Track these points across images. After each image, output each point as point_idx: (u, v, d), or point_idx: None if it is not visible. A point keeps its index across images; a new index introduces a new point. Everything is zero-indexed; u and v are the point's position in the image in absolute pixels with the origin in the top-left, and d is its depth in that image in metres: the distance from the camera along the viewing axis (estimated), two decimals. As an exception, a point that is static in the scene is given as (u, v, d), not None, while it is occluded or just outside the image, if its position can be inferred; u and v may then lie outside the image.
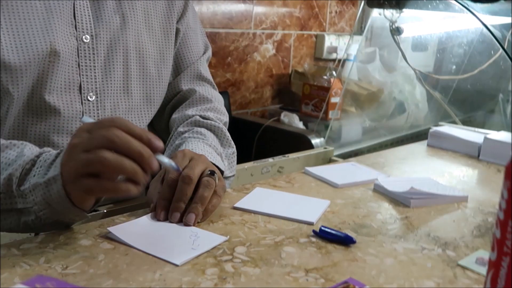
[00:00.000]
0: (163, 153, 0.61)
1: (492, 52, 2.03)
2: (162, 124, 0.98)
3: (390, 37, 1.64)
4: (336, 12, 2.43)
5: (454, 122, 1.89)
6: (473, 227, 0.75)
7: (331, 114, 1.85)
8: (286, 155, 1.42)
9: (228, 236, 0.65)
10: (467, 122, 2.04)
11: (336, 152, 1.57)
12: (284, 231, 0.69)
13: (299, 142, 1.69)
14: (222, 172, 0.82)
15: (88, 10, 0.79)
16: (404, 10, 1.44)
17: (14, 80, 0.72)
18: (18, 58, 0.72)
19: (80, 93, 0.79)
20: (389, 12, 1.45)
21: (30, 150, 0.66)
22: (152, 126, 0.99)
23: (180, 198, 0.67)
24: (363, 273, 0.58)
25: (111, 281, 0.53)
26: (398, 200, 0.83)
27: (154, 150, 0.59)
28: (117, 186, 0.57)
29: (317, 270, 0.58)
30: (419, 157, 1.16)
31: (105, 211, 0.75)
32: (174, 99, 0.95)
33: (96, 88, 0.80)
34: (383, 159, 1.11)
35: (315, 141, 1.68)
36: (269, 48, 2.15)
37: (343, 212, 0.77)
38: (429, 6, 1.36)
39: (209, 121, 0.90)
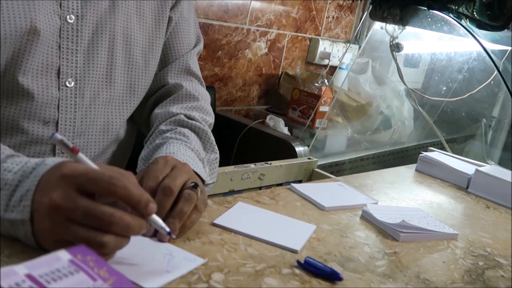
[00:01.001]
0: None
1: (485, 78, 2.02)
2: (142, 117, 0.91)
3: (386, 51, 1.60)
4: (333, 17, 2.38)
5: (439, 143, 1.87)
6: (463, 271, 0.70)
7: (318, 122, 1.80)
8: (269, 162, 1.37)
9: (206, 259, 0.59)
10: (449, 143, 2.02)
11: (319, 162, 1.53)
12: (266, 258, 0.63)
13: (283, 148, 1.64)
14: (203, 181, 0.76)
15: None
16: (406, 27, 1.39)
17: None
18: None
19: (58, 77, 0.71)
20: (391, 27, 1.40)
21: None
22: (131, 117, 0.92)
23: (158, 210, 0.61)
24: (349, 318, 0.53)
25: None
26: (386, 231, 0.78)
27: (148, 214, 0.54)
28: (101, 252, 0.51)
29: (300, 311, 0.52)
30: (408, 182, 1.12)
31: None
32: (159, 92, 0.89)
33: (76, 73, 0.73)
34: (371, 181, 1.06)
35: (299, 149, 1.63)
36: (261, 46, 2.08)
37: (330, 240, 0.72)
38: (434, 26, 1.32)
39: (193, 122, 0.83)
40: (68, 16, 0.71)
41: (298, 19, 2.20)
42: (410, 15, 1.38)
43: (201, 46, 0.95)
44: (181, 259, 0.58)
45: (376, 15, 1.38)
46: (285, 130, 1.77)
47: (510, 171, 1.15)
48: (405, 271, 0.67)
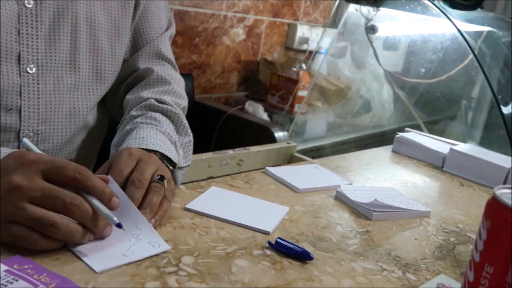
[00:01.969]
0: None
1: (462, 59, 2.03)
2: (116, 104, 0.90)
3: (363, 34, 1.61)
4: (311, 2, 2.37)
5: (418, 125, 1.88)
6: (434, 247, 0.71)
7: (297, 107, 1.80)
8: (247, 148, 1.37)
9: (170, 247, 0.58)
10: (429, 125, 2.04)
11: (299, 147, 1.53)
12: (237, 240, 0.63)
13: (262, 134, 1.64)
14: (174, 164, 0.75)
15: None
16: (381, 8, 1.39)
17: None
18: None
19: (19, 63, 0.70)
20: (365, 9, 1.40)
21: None
22: (104, 105, 0.91)
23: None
24: (319, 296, 0.53)
25: (34, 292, 0.46)
26: (360, 211, 0.79)
27: (110, 208, 0.55)
28: (49, 245, 0.51)
29: (269, 290, 0.53)
30: (383, 163, 1.13)
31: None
32: (130, 78, 0.88)
33: (38, 59, 0.72)
34: (347, 163, 1.07)
35: (278, 134, 1.63)
36: (239, 32, 2.07)
37: (302, 221, 0.72)
38: (407, 7, 1.33)
39: (164, 106, 0.82)
40: (26, 1, 0.69)
41: (275, 4, 2.19)
42: (384, -4, 1.38)
43: (173, 29, 0.93)
44: (146, 244, 0.57)
45: (351, -3, 1.38)
46: (265, 116, 1.77)
47: (484, 149, 1.17)
48: (376, 249, 0.67)
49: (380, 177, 1.01)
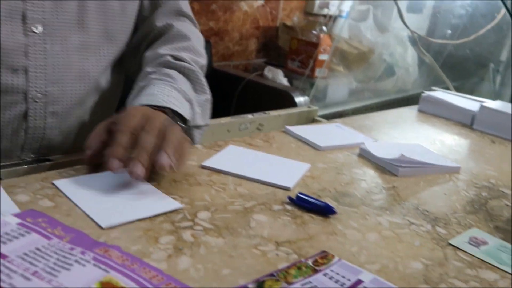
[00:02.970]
0: None
1: (491, 18, 1.94)
2: (136, 66, 0.87)
3: (386, -6, 1.53)
4: (331, -36, 2.29)
5: (446, 88, 1.81)
6: (465, 201, 0.67)
7: (317, 72, 1.75)
8: (267, 112, 1.33)
9: (183, 205, 0.55)
10: (456, 89, 1.96)
11: (320, 112, 1.49)
12: (256, 196, 0.60)
13: (282, 99, 1.60)
14: (186, 121, 0.71)
15: None
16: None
17: None
18: None
19: (24, 23, 0.67)
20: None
21: None
22: (119, 68, 0.88)
23: (143, 148, 0.57)
24: (343, 249, 0.50)
25: (44, 246, 0.44)
26: (385, 167, 0.75)
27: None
28: None
29: (289, 244, 0.50)
30: (409, 122, 1.08)
31: (50, 162, 0.65)
32: (149, 37, 0.84)
33: (44, 18, 0.69)
34: (370, 122, 1.03)
35: (298, 99, 1.59)
36: (257, -3, 2.01)
37: (324, 177, 0.69)
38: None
39: (181, 63, 0.78)
40: None
41: (294, -33, 2.12)
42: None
43: None
44: (154, 202, 0.55)
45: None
46: (285, 81, 1.72)
47: (516, 105, 1.11)
48: (403, 203, 0.64)
49: (406, 135, 0.97)
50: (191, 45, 0.83)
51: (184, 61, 0.79)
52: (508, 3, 1.84)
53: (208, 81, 0.88)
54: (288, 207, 0.58)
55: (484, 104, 1.06)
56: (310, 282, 0.43)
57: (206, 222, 0.52)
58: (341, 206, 0.60)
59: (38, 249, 0.41)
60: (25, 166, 0.62)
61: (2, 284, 0.36)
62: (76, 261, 0.40)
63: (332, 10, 2.25)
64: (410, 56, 2.25)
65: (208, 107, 0.81)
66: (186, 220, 0.52)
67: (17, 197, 0.52)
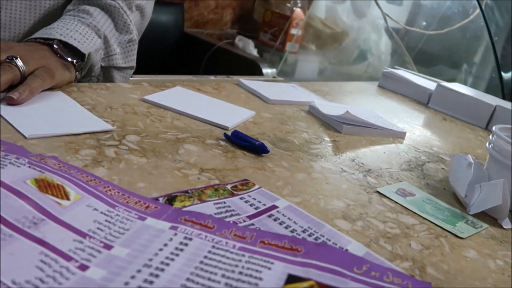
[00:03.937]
0: None
1: (467, 15, 1.96)
2: None
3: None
4: None
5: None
6: (403, 161, 0.68)
7: (288, 46, 1.74)
8: (230, 76, 1.32)
9: (115, 127, 0.54)
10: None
11: (286, 85, 1.48)
12: (191, 130, 0.59)
13: (250, 69, 1.59)
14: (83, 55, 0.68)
15: None
16: None
17: None
18: None
19: None
20: None
21: None
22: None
23: None
24: (267, 182, 0.50)
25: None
26: (330, 124, 0.75)
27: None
28: None
29: (214, 171, 0.49)
30: (367, 94, 1.09)
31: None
32: None
33: None
34: (328, 88, 1.03)
35: (266, 70, 1.58)
36: (236, -33, 1.99)
37: (267, 125, 0.69)
38: None
39: (104, 0, 0.74)
40: None
41: None
42: None
43: None
44: (87, 120, 0.54)
45: None
46: (255, 52, 1.71)
47: (471, 88, 1.13)
48: (340, 155, 0.64)
49: (361, 104, 0.97)
50: None
51: None
52: (483, 2, 1.86)
53: (178, 44, 0.85)
54: (222, 143, 0.58)
55: (441, 83, 1.08)
56: (224, 202, 0.43)
57: (133, 144, 0.51)
58: (276, 149, 0.60)
59: None
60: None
61: None
62: (11, 163, 0.39)
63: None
64: (384, 44, 2.26)
65: (133, 48, 0.78)
66: (113, 139, 0.51)
67: None
